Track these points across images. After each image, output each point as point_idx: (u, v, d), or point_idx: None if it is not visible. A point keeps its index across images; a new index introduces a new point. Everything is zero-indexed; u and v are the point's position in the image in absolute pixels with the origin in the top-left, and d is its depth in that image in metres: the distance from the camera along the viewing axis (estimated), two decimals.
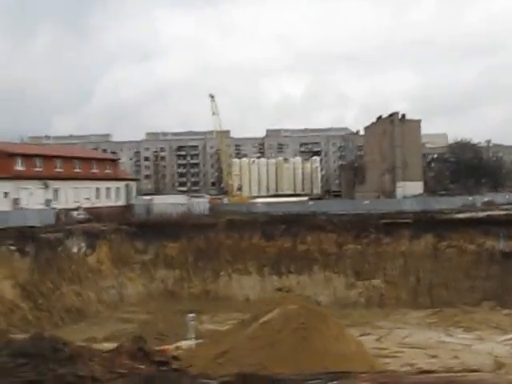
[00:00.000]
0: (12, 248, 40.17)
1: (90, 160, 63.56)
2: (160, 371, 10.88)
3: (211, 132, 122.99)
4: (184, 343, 19.45)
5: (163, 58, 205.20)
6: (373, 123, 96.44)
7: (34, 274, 40.40)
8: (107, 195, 63.88)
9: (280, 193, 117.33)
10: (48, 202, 56.34)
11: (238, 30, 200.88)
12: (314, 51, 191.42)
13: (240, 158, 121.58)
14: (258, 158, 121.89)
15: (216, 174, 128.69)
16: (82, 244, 46.61)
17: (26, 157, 55.30)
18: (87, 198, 60.97)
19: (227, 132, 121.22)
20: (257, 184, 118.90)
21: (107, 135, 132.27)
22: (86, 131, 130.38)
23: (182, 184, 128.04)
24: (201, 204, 62.39)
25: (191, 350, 18.27)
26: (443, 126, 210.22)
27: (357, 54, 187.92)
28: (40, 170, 56.41)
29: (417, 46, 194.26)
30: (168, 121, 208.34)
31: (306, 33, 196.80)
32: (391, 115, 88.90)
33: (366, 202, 68.12)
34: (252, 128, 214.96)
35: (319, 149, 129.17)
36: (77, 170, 60.69)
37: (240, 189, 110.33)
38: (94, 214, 56.09)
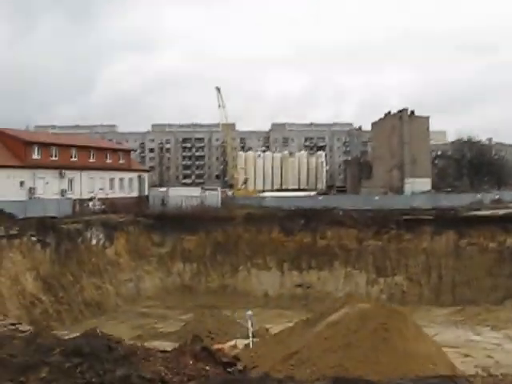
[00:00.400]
0: (33, 239, 39.56)
1: (104, 150, 62.76)
2: (228, 373, 10.41)
3: (217, 125, 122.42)
4: (239, 342, 18.94)
5: (166, 49, 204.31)
6: (381, 119, 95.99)
7: (54, 266, 39.85)
8: (121, 186, 63.18)
9: (284, 187, 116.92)
10: (63, 192, 55.66)
11: (240, 23, 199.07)
12: (313, 47, 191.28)
13: (246, 151, 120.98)
14: (264, 151, 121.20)
15: (221, 167, 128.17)
16: (101, 236, 46.03)
17: (43, 145, 54.44)
18: (101, 189, 60.24)
19: (233, 125, 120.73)
20: (261, 178, 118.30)
21: (113, 126, 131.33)
22: (87, 121, 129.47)
23: (187, 176, 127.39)
24: (213, 196, 61.85)
25: (249, 349, 17.76)
26: (441, 124, 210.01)
27: (356, 50, 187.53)
28: (55, 159, 55.58)
29: (416, 43, 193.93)
30: (171, 113, 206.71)
31: (306, 28, 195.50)
32: (400, 111, 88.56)
33: (377, 197, 67.73)
34: (251, 121, 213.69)
35: (324, 144, 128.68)
36: (91, 160, 59.89)
37: (246, 182, 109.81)
38: (109, 205, 55.58)
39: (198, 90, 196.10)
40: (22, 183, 52.02)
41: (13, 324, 20.35)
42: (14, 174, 51.30)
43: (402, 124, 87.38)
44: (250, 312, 19.15)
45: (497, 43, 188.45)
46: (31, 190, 52.64)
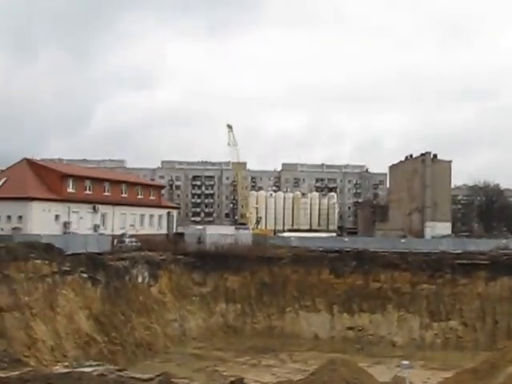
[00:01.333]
0: (84, 275, 37.56)
1: (135, 185, 61.13)
2: None
3: (227, 163, 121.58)
4: None
5: (164, 86, 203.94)
6: (400, 162, 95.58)
7: (105, 305, 37.77)
8: (150, 223, 61.39)
9: (296, 227, 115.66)
10: (96, 228, 53.76)
11: (240, 63, 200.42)
12: (311, 88, 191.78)
13: (257, 190, 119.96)
14: (275, 191, 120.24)
15: (231, 205, 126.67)
16: (146, 273, 44.04)
17: (78, 179, 52.77)
18: (132, 225, 58.45)
19: (244, 164, 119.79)
20: (273, 217, 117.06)
21: (121, 161, 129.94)
22: (83, 155, 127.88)
23: (196, 214, 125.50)
24: (246, 235, 60.17)
25: None
26: None
27: (353, 91, 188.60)
28: (89, 193, 53.85)
29: (413, 86, 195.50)
30: (171, 149, 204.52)
31: (304, 69, 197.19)
32: (423, 155, 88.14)
33: (403, 240, 66.46)
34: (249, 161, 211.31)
35: (335, 185, 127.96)
36: (124, 195, 58.17)
37: (259, 222, 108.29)
38: (144, 242, 53.70)
39: (196, 126, 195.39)
40: (57, 217, 50.14)
41: (119, 370, 18.47)
42: (49, 208, 49.47)
43: (425, 167, 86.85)
44: (405, 362, 17.30)
45: (497, 89, 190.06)
46: (66, 225, 50.71)
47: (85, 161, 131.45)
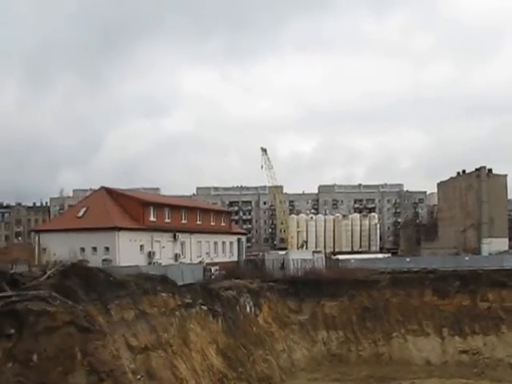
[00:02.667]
0: (203, 308, 35.58)
1: (209, 212, 59.35)
2: None
3: (263, 187, 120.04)
4: None
5: (177, 112, 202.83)
6: (451, 178, 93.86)
7: (228, 338, 35.78)
8: (223, 250, 59.48)
9: (337, 250, 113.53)
10: (177, 257, 51.88)
11: (254, 87, 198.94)
12: (324, 109, 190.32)
13: (296, 213, 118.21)
14: (315, 214, 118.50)
15: (269, 230, 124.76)
16: (251, 302, 42.06)
17: (158, 206, 50.95)
18: (207, 253, 56.56)
19: (281, 187, 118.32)
20: (314, 240, 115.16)
21: (156, 189, 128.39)
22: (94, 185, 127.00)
23: None
24: (320, 259, 58.23)
25: None
26: None
27: (367, 111, 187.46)
28: (169, 221, 52.01)
29: (428, 104, 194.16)
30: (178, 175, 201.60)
31: (317, 90, 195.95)
32: (478, 170, 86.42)
33: (466, 258, 64.55)
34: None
35: (374, 205, 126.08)
36: (198, 223, 56.31)
37: (303, 245, 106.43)
38: (226, 270, 51.80)
39: (209, 152, 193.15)
40: (141, 247, 48.30)
41: None
42: (134, 237, 47.64)
43: (480, 182, 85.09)
44: None
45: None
46: (150, 254, 48.84)
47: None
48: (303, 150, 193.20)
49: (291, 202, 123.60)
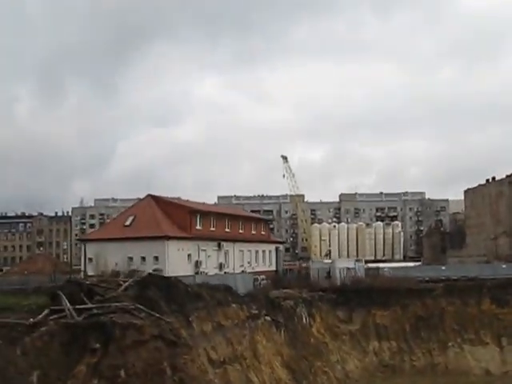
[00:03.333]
0: (267, 318, 34.96)
1: (250, 220, 58.77)
2: None
3: (285, 196, 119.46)
4: None
5: (188, 120, 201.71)
6: (480, 185, 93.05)
7: (291, 350, 35.15)
8: (263, 259, 58.79)
9: (361, 258, 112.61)
10: (221, 266, 51.26)
11: (265, 93, 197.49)
12: (335, 117, 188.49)
13: (319, 222, 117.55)
14: (338, 222, 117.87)
15: (291, 239, 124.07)
16: (305, 313, 41.40)
17: (204, 215, 50.43)
18: (249, 262, 55.91)
19: (302, 196, 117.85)
20: (337, 249, 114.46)
21: (178, 198, 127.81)
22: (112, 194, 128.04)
23: None
24: (361, 268, 57.54)
25: None
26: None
27: (377, 119, 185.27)
28: (213, 229, 51.45)
29: (437, 113, 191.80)
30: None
31: (329, 98, 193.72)
32: (509, 176, 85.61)
33: (503, 266, 63.71)
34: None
35: (395, 213, 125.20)
36: (240, 231, 55.74)
37: (328, 254, 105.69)
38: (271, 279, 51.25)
39: (222, 160, 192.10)
40: (189, 256, 47.74)
41: None
42: (182, 247, 47.05)
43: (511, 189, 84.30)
44: None
45: None
46: (197, 264, 48.27)
47: (138, 199, 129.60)
48: (313, 158, 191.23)
49: (313, 210, 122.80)
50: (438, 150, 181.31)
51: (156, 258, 44.93)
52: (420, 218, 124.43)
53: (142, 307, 23.97)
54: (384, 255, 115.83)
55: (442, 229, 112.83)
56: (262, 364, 30.94)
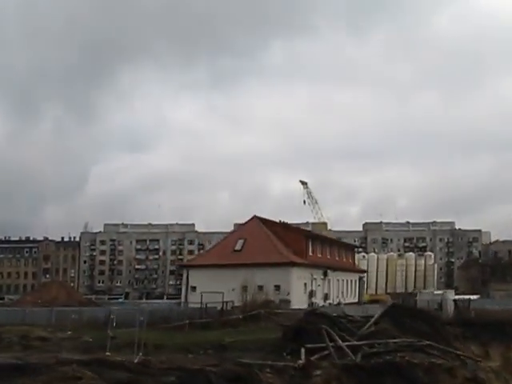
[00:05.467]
0: None
1: (342, 247, 54.46)
2: None
3: (306, 223, 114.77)
4: None
5: (162, 146, 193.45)
6: None
7: None
8: (351, 289, 54.42)
9: (391, 290, 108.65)
10: (326, 297, 46.72)
11: (237, 120, 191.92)
12: (313, 145, 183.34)
13: None
14: (368, 253, 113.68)
15: None
16: None
17: (315, 240, 46.07)
18: (342, 292, 51.44)
19: (325, 224, 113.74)
20: (366, 280, 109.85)
21: (191, 225, 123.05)
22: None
23: None
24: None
25: None
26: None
27: (356, 147, 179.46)
28: (320, 256, 47.08)
29: (417, 140, 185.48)
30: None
31: (305, 125, 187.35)
32: None
33: None
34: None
35: (425, 244, 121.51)
36: (337, 259, 51.42)
37: None
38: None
39: (198, 188, 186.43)
40: (305, 285, 43.15)
41: None
42: (299, 274, 42.58)
43: None
44: None
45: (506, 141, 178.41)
46: (312, 294, 43.68)
47: (150, 225, 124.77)
48: (294, 187, 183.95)
49: (338, 239, 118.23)
50: (425, 178, 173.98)
51: (277, 287, 40.28)
52: (451, 250, 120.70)
53: (435, 344, 19.65)
54: (415, 288, 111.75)
55: (480, 261, 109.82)
56: None
